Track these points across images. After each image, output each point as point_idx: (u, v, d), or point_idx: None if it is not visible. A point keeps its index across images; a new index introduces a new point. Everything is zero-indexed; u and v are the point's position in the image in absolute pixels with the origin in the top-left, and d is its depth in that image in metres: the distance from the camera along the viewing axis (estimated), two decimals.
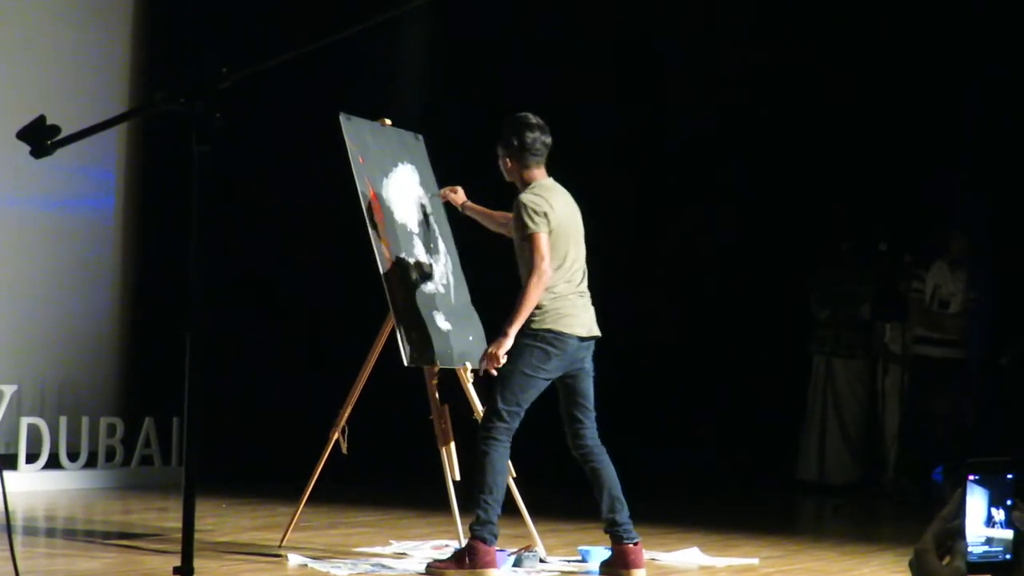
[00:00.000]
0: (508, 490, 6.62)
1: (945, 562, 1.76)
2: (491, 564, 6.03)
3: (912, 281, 10.38)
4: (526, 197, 6.17)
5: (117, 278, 10.55)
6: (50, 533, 7.52)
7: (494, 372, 6.23)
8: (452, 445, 6.46)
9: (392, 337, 6.51)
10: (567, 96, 11.35)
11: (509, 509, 6.64)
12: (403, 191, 6.96)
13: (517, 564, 6.38)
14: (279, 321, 10.82)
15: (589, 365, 6.29)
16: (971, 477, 1.81)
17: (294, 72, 9.74)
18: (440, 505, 6.59)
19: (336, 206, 7.61)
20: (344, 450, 6.60)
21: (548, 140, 6.30)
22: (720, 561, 6.81)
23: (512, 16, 11.64)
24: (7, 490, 4.09)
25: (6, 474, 8.66)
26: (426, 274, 6.84)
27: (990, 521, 1.80)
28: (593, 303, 6.39)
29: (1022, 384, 9.99)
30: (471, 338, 6.77)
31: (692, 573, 6.60)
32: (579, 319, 6.20)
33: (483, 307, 7.03)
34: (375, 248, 6.59)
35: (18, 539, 6.73)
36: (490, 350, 6.22)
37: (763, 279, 11.64)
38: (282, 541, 6.69)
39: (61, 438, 9.24)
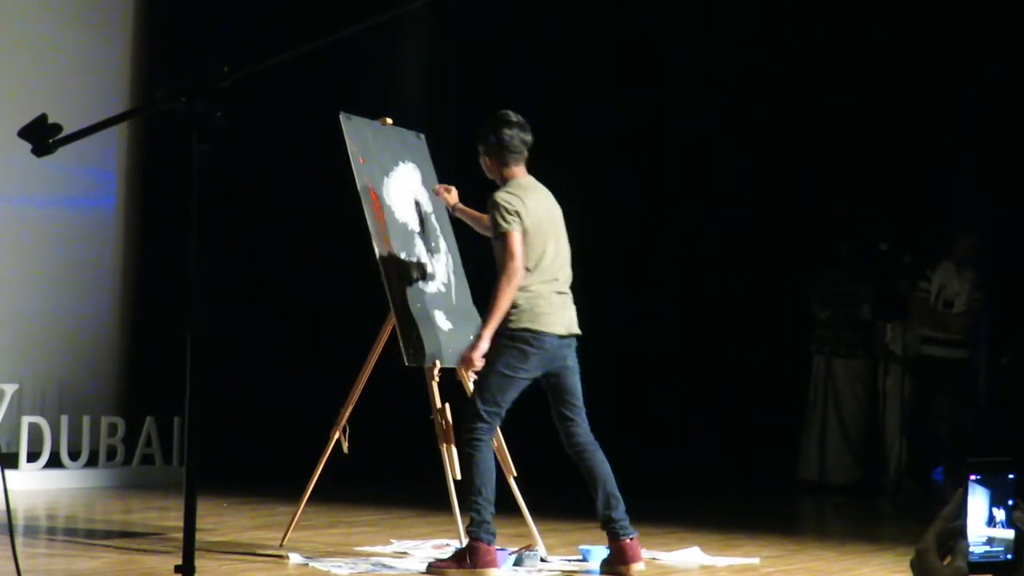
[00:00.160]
0: (509, 489, 6.64)
1: (946, 562, 1.76)
2: (492, 563, 6.02)
3: (919, 281, 10.38)
4: (500, 195, 6.15)
5: (118, 277, 10.55)
6: (51, 532, 7.52)
7: (471, 375, 6.28)
8: (453, 444, 6.45)
9: (393, 336, 6.51)
10: (567, 96, 11.32)
11: (510, 508, 6.65)
12: (404, 190, 6.96)
13: (518, 563, 6.37)
14: (280, 320, 10.82)
15: (573, 362, 6.25)
16: (972, 477, 1.81)
17: (295, 71, 9.73)
18: (441, 504, 6.58)
19: (337, 205, 7.61)
20: (345, 449, 6.59)
21: (528, 138, 6.25)
22: (721, 560, 6.81)
23: (512, 16, 11.63)
24: (8, 489, 4.08)
25: (7, 473, 8.66)
26: (427, 273, 6.83)
27: (991, 521, 1.80)
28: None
29: (1022, 384, 10.00)
30: (472, 337, 6.75)
31: (693, 573, 6.59)
32: (557, 317, 6.16)
33: (484, 306, 7.03)
34: (376, 247, 6.59)
35: (19, 538, 6.73)
36: (465, 354, 6.25)
37: (763, 279, 11.65)
38: (283, 540, 6.69)
39: (62, 437, 9.25)
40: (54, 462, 9.24)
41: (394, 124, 7.11)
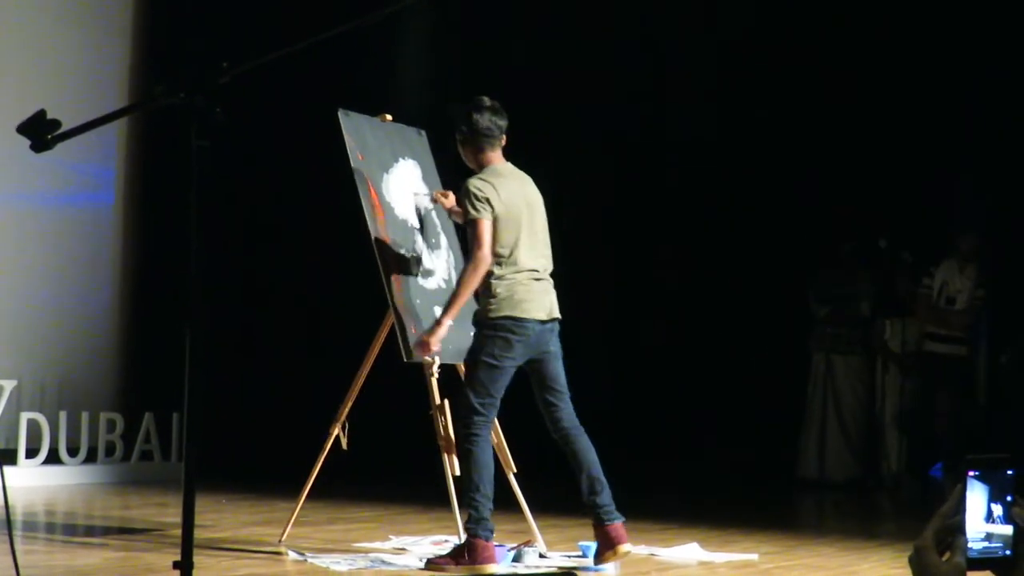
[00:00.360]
0: (509, 486, 6.64)
1: (945, 558, 1.76)
2: (490, 559, 6.02)
3: (922, 278, 10.40)
4: (471, 182, 6.13)
5: (117, 273, 10.55)
6: (50, 528, 7.52)
7: (427, 359, 6.26)
8: (452, 440, 6.44)
9: (392, 333, 6.51)
10: (567, 96, 11.31)
11: (509, 504, 6.65)
12: (404, 187, 6.95)
13: (517, 559, 6.37)
14: (279, 317, 10.83)
15: (556, 348, 6.22)
16: (971, 473, 1.81)
17: (294, 67, 9.72)
18: (439, 500, 6.59)
19: (336, 202, 7.60)
20: (344, 446, 6.59)
21: (502, 122, 6.20)
22: (720, 557, 6.81)
23: (512, 13, 11.59)
24: (7, 485, 4.08)
25: (6, 469, 8.65)
26: (427, 270, 6.83)
27: (990, 517, 1.80)
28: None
29: (1021, 382, 10.01)
30: (472, 334, 6.75)
31: (692, 569, 6.59)
32: (537, 303, 6.13)
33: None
34: (375, 244, 6.59)
35: (18, 534, 6.73)
36: (424, 337, 6.25)
37: (763, 279, 11.63)
38: (282, 537, 6.69)
39: (61, 433, 9.25)
40: (53, 458, 9.24)
41: (394, 120, 7.11)
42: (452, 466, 6.39)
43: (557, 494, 6.82)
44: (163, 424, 9.64)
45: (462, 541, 6.15)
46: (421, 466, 7.58)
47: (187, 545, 3.29)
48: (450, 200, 6.66)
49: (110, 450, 9.53)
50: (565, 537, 6.94)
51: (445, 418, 6.45)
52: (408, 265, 6.72)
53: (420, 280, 6.76)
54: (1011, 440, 9.37)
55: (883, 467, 10.78)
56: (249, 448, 9.70)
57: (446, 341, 6.59)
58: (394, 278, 6.59)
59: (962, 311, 10.29)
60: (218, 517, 7.60)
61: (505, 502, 6.56)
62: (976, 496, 1.80)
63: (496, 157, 6.21)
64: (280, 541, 6.66)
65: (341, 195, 7.02)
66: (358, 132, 6.80)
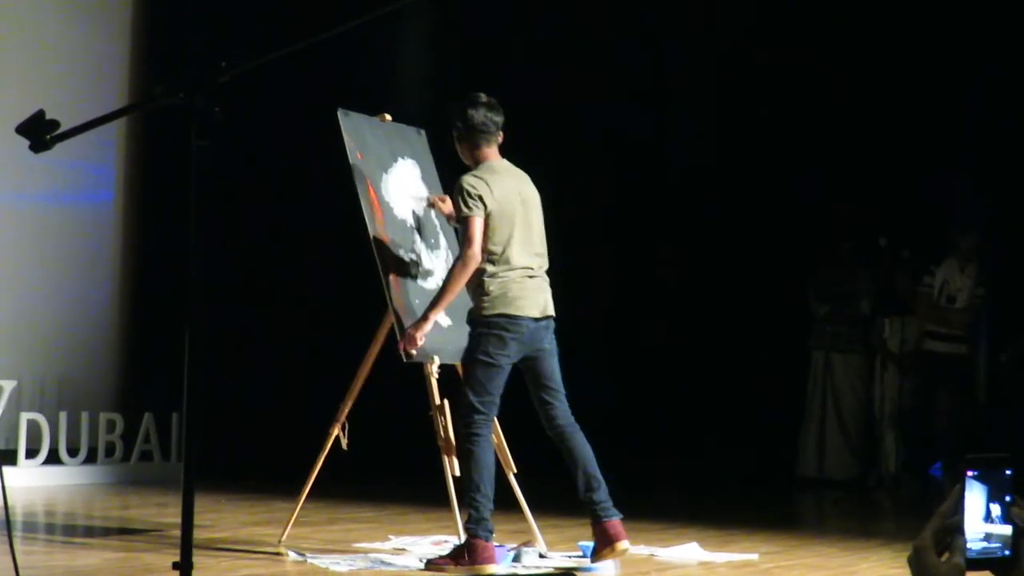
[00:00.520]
0: (509, 485, 6.64)
1: (944, 558, 1.76)
2: (490, 560, 6.01)
3: (923, 276, 10.41)
4: (465, 179, 6.11)
5: (117, 274, 10.55)
6: (49, 529, 7.52)
7: (414, 352, 6.25)
8: (452, 441, 6.44)
9: (392, 333, 6.51)
10: (567, 95, 11.27)
11: (510, 504, 6.65)
12: (403, 187, 6.95)
13: (517, 559, 6.37)
14: (279, 317, 10.83)
15: (551, 345, 6.21)
16: (970, 473, 1.81)
17: (293, 66, 9.69)
18: (439, 501, 6.58)
19: (336, 202, 7.60)
20: (344, 446, 6.59)
21: (498, 118, 6.18)
22: (719, 556, 6.81)
23: (512, 12, 11.56)
24: (7, 486, 4.08)
25: (6, 470, 8.64)
26: (426, 270, 6.82)
27: (988, 517, 1.80)
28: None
29: (1020, 381, 10.01)
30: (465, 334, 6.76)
31: (692, 568, 6.59)
32: (531, 300, 6.12)
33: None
34: (374, 245, 6.59)
35: (18, 535, 6.73)
36: (408, 331, 6.25)
37: (763, 278, 11.61)
38: (282, 537, 6.68)
39: (61, 434, 9.25)
40: (53, 459, 9.24)
41: (393, 119, 7.10)
42: (452, 466, 6.39)
43: (557, 493, 6.82)
44: (163, 424, 9.64)
45: (462, 541, 6.15)
46: (421, 466, 7.58)
47: (187, 546, 3.29)
48: (448, 206, 6.61)
49: (110, 450, 9.53)
50: (565, 537, 6.94)
51: (445, 418, 6.44)
52: (407, 266, 6.71)
53: (419, 281, 6.75)
54: (1010, 439, 9.37)
55: (881, 466, 10.78)
56: (249, 448, 9.70)
57: (446, 341, 6.60)
58: (393, 278, 6.59)
59: (962, 310, 10.30)
60: (217, 517, 7.60)
61: (505, 502, 6.55)
62: (975, 496, 1.80)
63: (492, 153, 6.20)
64: (280, 541, 6.65)
65: (341, 195, 7.02)
66: (357, 132, 6.80)
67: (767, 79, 11.66)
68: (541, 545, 6.64)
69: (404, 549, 6.67)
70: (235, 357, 9.84)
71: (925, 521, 1.84)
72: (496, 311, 6.07)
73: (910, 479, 10.46)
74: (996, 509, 1.79)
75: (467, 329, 6.38)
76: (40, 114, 3.30)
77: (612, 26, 11.93)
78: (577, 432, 6.19)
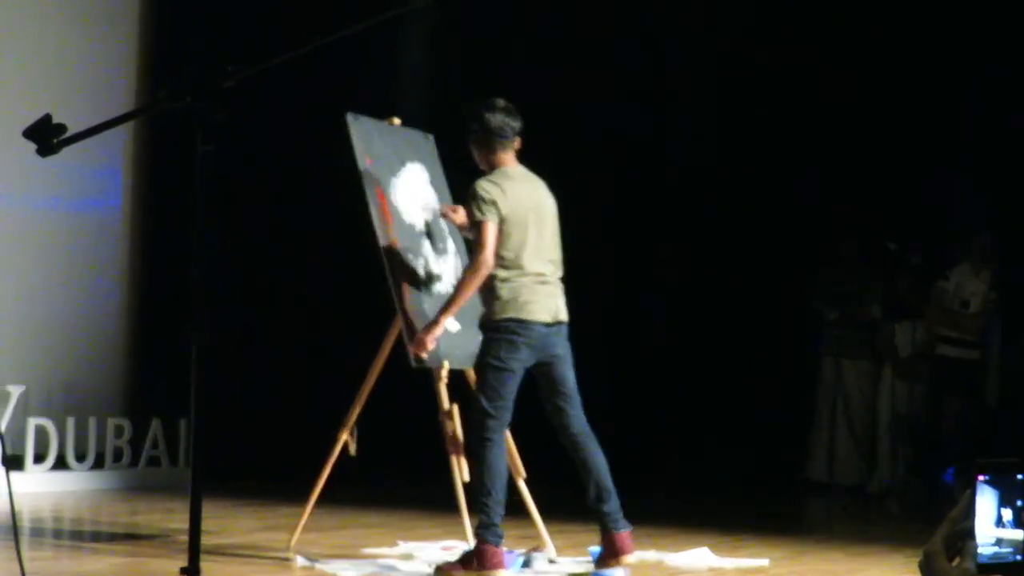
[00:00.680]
0: (518, 491, 6.62)
1: (955, 563, 1.75)
2: (499, 565, 5.99)
3: (939, 280, 10.39)
4: (479, 184, 6.07)
5: (124, 279, 10.55)
6: (57, 534, 7.51)
7: (424, 356, 6.24)
8: (461, 445, 6.42)
9: (400, 338, 6.50)
10: (567, 95, 11.14)
11: (519, 509, 6.64)
12: (411, 191, 6.94)
13: (526, 565, 6.35)
14: (286, 323, 10.81)
15: (564, 351, 6.17)
16: (981, 477, 1.80)
17: (298, 71, 9.66)
18: (448, 505, 6.58)
19: (342, 206, 7.59)
20: (352, 452, 6.58)
21: (516, 124, 6.14)
22: (729, 562, 6.79)
23: (512, 13, 11.44)
24: (13, 491, 4.08)
25: (13, 475, 8.67)
26: (435, 275, 6.80)
27: (1000, 522, 1.79)
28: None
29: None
30: (479, 339, 6.75)
31: (701, 574, 6.58)
32: (542, 304, 6.08)
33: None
34: (382, 249, 6.58)
35: (24, 540, 6.74)
36: (419, 335, 6.23)
37: (763, 278, 11.55)
38: (291, 542, 6.67)
39: (68, 439, 9.24)
40: (60, 464, 9.23)
41: (402, 125, 7.10)
42: (461, 471, 6.38)
43: (567, 499, 6.81)
44: (170, 430, 9.65)
45: (471, 546, 6.14)
46: (430, 471, 7.58)
47: (194, 551, 3.29)
48: (460, 216, 6.55)
49: (117, 456, 9.52)
50: (575, 543, 6.91)
51: (454, 423, 6.43)
52: (416, 270, 6.70)
53: (428, 285, 6.74)
54: (1020, 443, 9.35)
55: (884, 471, 10.75)
56: (256, 454, 9.69)
57: (455, 346, 6.58)
58: (401, 283, 6.58)
59: (976, 314, 10.29)
60: (225, 523, 7.59)
61: (515, 507, 6.54)
62: (986, 501, 1.79)
63: (508, 159, 6.15)
64: (289, 547, 6.65)
65: (347, 199, 7.01)
66: (366, 136, 6.78)
67: (767, 79, 11.58)
68: (551, 550, 6.63)
69: (412, 555, 6.66)
70: (242, 363, 9.83)
71: (935, 526, 1.83)
72: (507, 315, 6.03)
73: (918, 484, 10.44)
74: (1007, 514, 1.78)
75: (476, 334, 6.36)
76: (47, 118, 3.30)
77: (612, 26, 11.85)
78: (591, 441, 6.14)
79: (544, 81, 10.86)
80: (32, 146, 3.33)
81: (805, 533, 8.64)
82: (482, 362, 6.10)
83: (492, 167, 6.14)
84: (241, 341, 9.77)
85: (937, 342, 10.41)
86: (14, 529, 4.88)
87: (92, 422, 9.41)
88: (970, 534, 1.76)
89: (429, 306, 6.60)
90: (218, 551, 6.49)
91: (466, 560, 6.06)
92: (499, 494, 5.98)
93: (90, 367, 10.10)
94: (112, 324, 10.42)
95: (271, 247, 10.72)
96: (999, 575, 1.77)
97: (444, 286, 6.77)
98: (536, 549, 6.54)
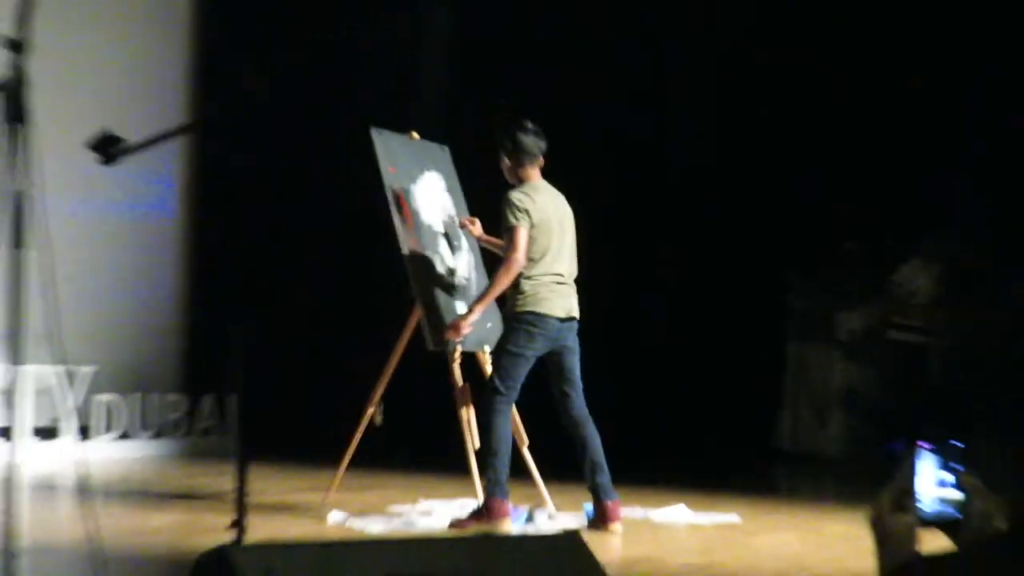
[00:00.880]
0: (522, 456, 6.64)
1: (899, 518, 1.75)
2: (505, 515, 6.08)
3: (893, 273, 10.37)
4: (513, 194, 6.15)
5: (179, 272, 10.54)
6: (124, 495, 7.51)
7: (457, 339, 6.30)
8: (472, 417, 6.46)
9: (419, 325, 6.51)
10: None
11: (524, 474, 6.66)
12: (429, 196, 6.95)
13: (530, 519, 6.37)
14: (321, 312, 10.77)
15: (573, 343, 6.25)
16: (923, 446, 1.79)
17: (330, 89, 9.59)
18: (462, 470, 6.57)
19: (370, 211, 7.55)
20: (378, 422, 6.61)
21: (543, 144, 6.24)
22: (706, 518, 6.78)
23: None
24: (85, 459, 4.08)
25: (85, 444, 8.67)
26: (450, 269, 6.83)
27: (940, 484, 1.78)
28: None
29: (972, 365, 9.97)
30: (489, 325, 6.75)
31: (681, 528, 6.57)
32: (557, 302, 6.16)
33: (500, 297, 6.99)
34: (403, 247, 6.58)
35: (98, 500, 6.74)
36: (454, 321, 6.32)
37: (762, 278, 10.90)
38: (325, 501, 6.68)
39: (133, 412, 9.28)
40: (126, 434, 9.26)
41: (420, 138, 7.11)
42: (472, 439, 6.41)
43: (564, 465, 6.80)
44: (220, 404, 9.65)
45: (481, 503, 6.15)
46: (447, 440, 7.56)
47: (241, 508, 3.28)
48: (477, 228, 6.68)
49: (175, 426, 9.54)
50: (571, 501, 6.92)
51: (466, 398, 6.48)
52: (433, 264, 6.72)
53: (444, 278, 6.77)
54: (958, 418, 9.31)
55: (840, 441, 10.72)
56: (294, 425, 9.68)
57: (468, 333, 6.59)
58: (421, 276, 6.61)
59: (923, 304, 10.26)
60: (268, 485, 7.60)
61: (520, 472, 6.57)
62: (927, 466, 1.78)
63: (535, 174, 6.23)
64: (324, 504, 6.65)
65: (373, 204, 6.98)
66: (389, 148, 6.81)
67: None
68: (550, 507, 6.65)
69: (432, 511, 6.65)
70: (281, 345, 9.79)
71: (884, 488, 1.82)
72: (527, 309, 6.11)
73: (869, 452, 10.42)
74: (947, 477, 1.77)
75: (486, 323, 6.42)
76: (107, 131, 3.30)
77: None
78: (589, 423, 6.24)
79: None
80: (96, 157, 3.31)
81: (773, 494, 8.62)
82: (502, 348, 6.18)
83: (520, 181, 6.21)
84: (281, 327, 9.75)
85: (889, 328, 10.39)
86: (88, 491, 4.87)
87: (154, 397, 9.43)
88: (912, 493, 1.75)
89: (444, 295, 6.67)
90: (261, 508, 6.49)
91: (477, 514, 6.15)
92: (504, 456, 6.08)
93: (150, 350, 10.11)
94: (169, 313, 10.42)
95: (311, 248, 10.60)
96: (941, 530, 1.76)
97: (458, 278, 6.83)
98: (538, 506, 6.55)
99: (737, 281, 11.11)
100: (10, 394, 8.01)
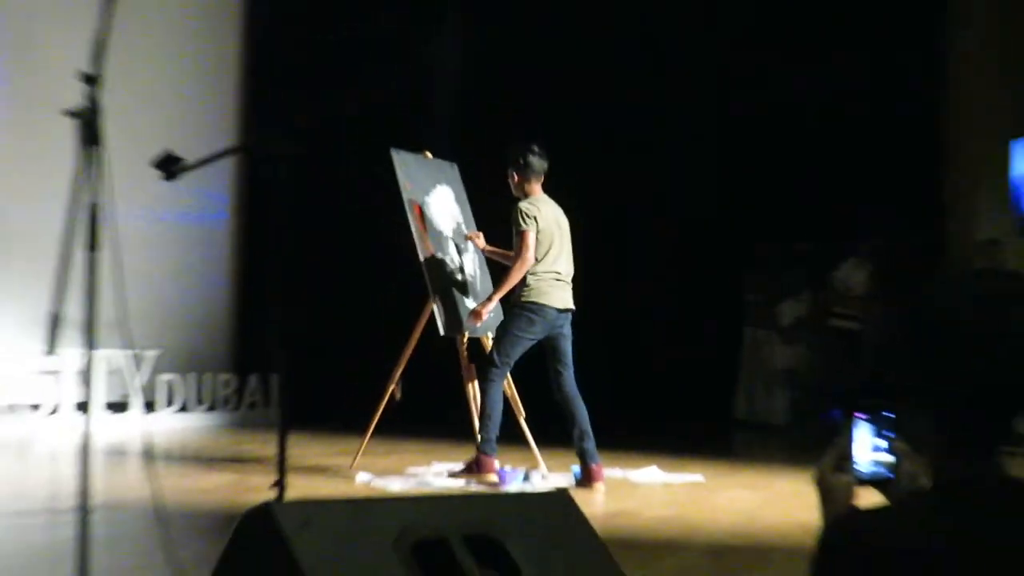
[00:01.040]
0: (518, 424, 6.64)
1: (839, 478, 1.76)
2: (491, 470, 6.18)
3: (834, 271, 10.37)
4: (522, 204, 6.25)
5: (229, 270, 10.55)
6: (182, 460, 7.51)
7: (477, 325, 6.39)
8: (477, 394, 6.47)
9: (433, 315, 6.52)
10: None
11: (520, 440, 6.65)
12: (441, 207, 6.98)
13: (526, 479, 6.37)
14: (350, 304, 10.76)
15: (567, 331, 6.31)
16: (859, 415, 1.79)
17: (357, 115, 9.48)
18: (469, 437, 6.57)
19: (391, 219, 7.53)
20: (397, 397, 6.62)
21: (546, 164, 6.33)
22: (675, 477, 6.78)
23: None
24: (150, 430, 4.07)
25: (148, 416, 8.63)
26: (458, 267, 6.85)
27: (876, 449, 1.78)
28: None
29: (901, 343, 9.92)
30: (492, 315, 6.75)
31: (654, 487, 6.57)
32: (555, 295, 6.24)
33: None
34: (419, 249, 6.59)
35: (160, 465, 6.73)
36: (475, 308, 6.40)
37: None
38: (352, 464, 6.68)
39: (190, 389, 9.28)
40: (184, 408, 9.25)
41: (433, 157, 7.11)
42: (476, 410, 6.44)
43: (555, 432, 6.79)
44: (264, 382, 9.64)
45: (473, 458, 6.26)
46: (456, 412, 7.55)
47: (281, 470, 3.28)
48: (481, 241, 6.73)
49: (226, 401, 9.54)
50: (561, 463, 6.91)
51: (471, 375, 6.50)
52: (444, 264, 6.74)
53: (455, 275, 6.80)
54: (890, 393, 9.27)
55: (786, 412, 10.71)
56: (327, 399, 9.67)
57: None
58: (433, 274, 6.62)
59: (858, 296, 10.28)
60: (305, 450, 7.59)
61: (517, 438, 6.57)
62: (863, 433, 1.78)
63: (538, 189, 6.32)
64: (352, 467, 6.64)
65: (394, 214, 6.95)
66: (406, 165, 6.83)
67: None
68: (543, 469, 6.65)
69: (443, 473, 6.65)
70: (317, 332, 9.77)
71: (826, 451, 1.82)
72: (530, 299, 6.19)
73: (812, 422, 10.43)
74: (881, 442, 1.78)
75: (491, 314, 6.47)
76: (168, 152, 3.29)
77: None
78: (578, 398, 6.28)
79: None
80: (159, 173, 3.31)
81: (732, 457, 8.60)
82: (505, 329, 6.24)
83: (526, 194, 6.30)
84: (316, 317, 9.73)
85: (829, 316, 10.39)
86: (152, 455, 4.86)
87: (208, 376, 9.42)
88: (850, 456, 1.76)
89: (453, 289, 6.69)
90: (299, 470, 6.49)
91: (469, 468, 6.25)
92: (496, 418, 6.15)
93: (205, 336, 10.11)
94: (221, 304, 10.42)
95: (340, 252, 10.57)
96: (875, 488, 1.76)
97: (465, 276, 6.88)
98: (533, 468, 6.54)
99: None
100: (86, 374, 8.00)
